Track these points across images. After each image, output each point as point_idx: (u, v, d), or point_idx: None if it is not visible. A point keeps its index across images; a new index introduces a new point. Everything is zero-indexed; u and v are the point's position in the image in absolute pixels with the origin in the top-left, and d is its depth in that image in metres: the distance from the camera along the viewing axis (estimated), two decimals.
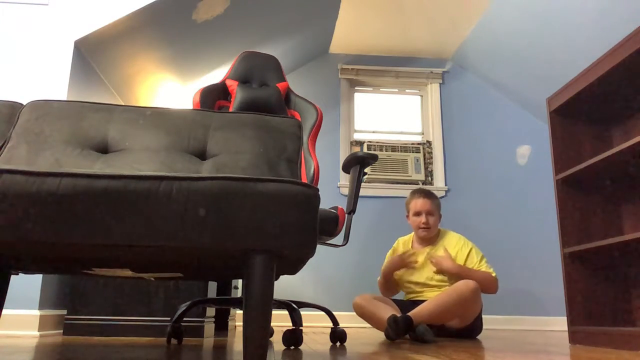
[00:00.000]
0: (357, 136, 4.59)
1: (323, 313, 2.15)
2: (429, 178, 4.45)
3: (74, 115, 1.39)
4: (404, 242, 2.90)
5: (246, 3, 3.25)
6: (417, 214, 2.75)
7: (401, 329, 2.16)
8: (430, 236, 2.76)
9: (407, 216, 2.84)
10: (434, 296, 2.46)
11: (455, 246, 2.72)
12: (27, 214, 0.97)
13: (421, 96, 4.79)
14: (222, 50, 3.54)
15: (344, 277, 4.11)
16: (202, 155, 1.41)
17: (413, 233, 2.87)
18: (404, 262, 2.70)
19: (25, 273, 1.43)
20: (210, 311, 2.43)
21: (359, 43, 4.58)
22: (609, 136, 2.46)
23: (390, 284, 2.80)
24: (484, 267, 2.64)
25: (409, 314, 2.26)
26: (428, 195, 2.79)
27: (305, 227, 1.04)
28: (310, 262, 4.10)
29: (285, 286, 4.03)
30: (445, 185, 4.38)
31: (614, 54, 2.04)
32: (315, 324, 3.86)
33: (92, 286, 2.25)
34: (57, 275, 2.36)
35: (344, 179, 4.33)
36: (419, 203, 2.76)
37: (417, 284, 2.71)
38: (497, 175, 4.45)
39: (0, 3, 2.52)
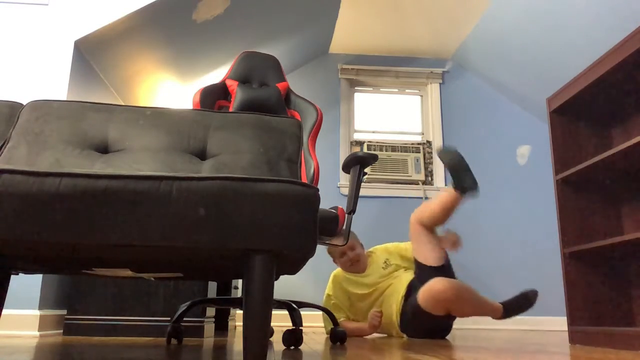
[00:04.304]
0: (357, 136, 4.59)
1: (323, 313, 2.15)
2: (429, 178, 4.45)
3: (74, 115, 1.39)
4: (337, 276, 2.83)
5: (246, 3, 3.25)
6: (342, 254, 2.76)
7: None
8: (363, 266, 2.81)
9: (334, 261, 2.82)
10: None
11: (382, 254, 2.86)
12: (27, 214, 0.97)
13: (421, 96, 4.79)
14: (222, 50, 3.54)
15: None
16: (202, 155, 1.41)
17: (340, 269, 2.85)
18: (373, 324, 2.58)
19: (25, 273, 1.43)
20: (210, 311, 2.43)
21: (359, 43, 4.58)
22: (609, 136, 2.46)
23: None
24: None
25: None
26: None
27: (305, 227, 1.04)
28: (310, 262, 4.09)
29: (285, 286, 4.03)
30: (445, 185, 4.38)
31: (614, 54, 2.04)
32: (315, 324, 3.86)
33: (92, 286, 2.25)
34: (57, 275, 2.36)
35: (344, 179, 4.33)
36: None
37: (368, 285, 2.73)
38: (497, 175, 4.45)
39: (0, 3, 2.52)
